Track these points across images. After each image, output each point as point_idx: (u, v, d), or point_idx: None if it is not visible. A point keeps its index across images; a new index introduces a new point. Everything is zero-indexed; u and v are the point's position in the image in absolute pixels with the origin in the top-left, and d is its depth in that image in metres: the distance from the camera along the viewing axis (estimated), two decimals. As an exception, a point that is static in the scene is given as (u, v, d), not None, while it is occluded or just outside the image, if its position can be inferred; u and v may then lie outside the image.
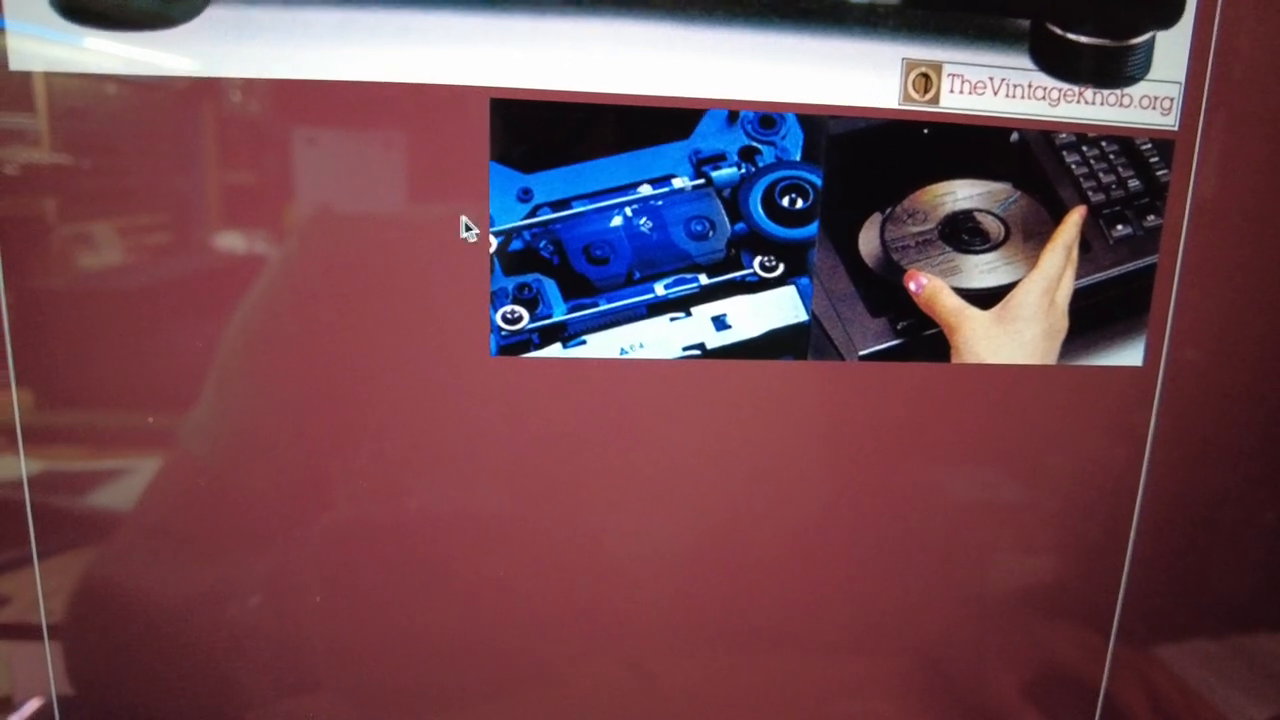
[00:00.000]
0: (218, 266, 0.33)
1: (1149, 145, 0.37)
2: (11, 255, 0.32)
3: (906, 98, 0.35)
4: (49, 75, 0.31)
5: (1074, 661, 0.43)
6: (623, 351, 0.35)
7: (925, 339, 0.37)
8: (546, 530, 0.37)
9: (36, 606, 0.35)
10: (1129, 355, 0.39)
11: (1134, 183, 0.38)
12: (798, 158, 0.35)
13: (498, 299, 0.34)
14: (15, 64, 0.31)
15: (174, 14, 0.31)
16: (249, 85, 0.32)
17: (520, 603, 0.38)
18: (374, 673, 0.37)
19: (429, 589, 0.37)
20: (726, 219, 0.35)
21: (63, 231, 0.33)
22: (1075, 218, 0.38)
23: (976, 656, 0.42)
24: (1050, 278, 0.37)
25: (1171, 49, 0.36)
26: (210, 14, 0.31)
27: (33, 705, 0.36)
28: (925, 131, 0.36)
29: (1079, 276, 0.38)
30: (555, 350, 0.35)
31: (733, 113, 0.34)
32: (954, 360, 0.38)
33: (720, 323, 0.36)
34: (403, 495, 0.36)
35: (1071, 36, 0.36)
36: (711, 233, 0.35)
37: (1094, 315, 0.38)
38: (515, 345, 0.35)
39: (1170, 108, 0.37)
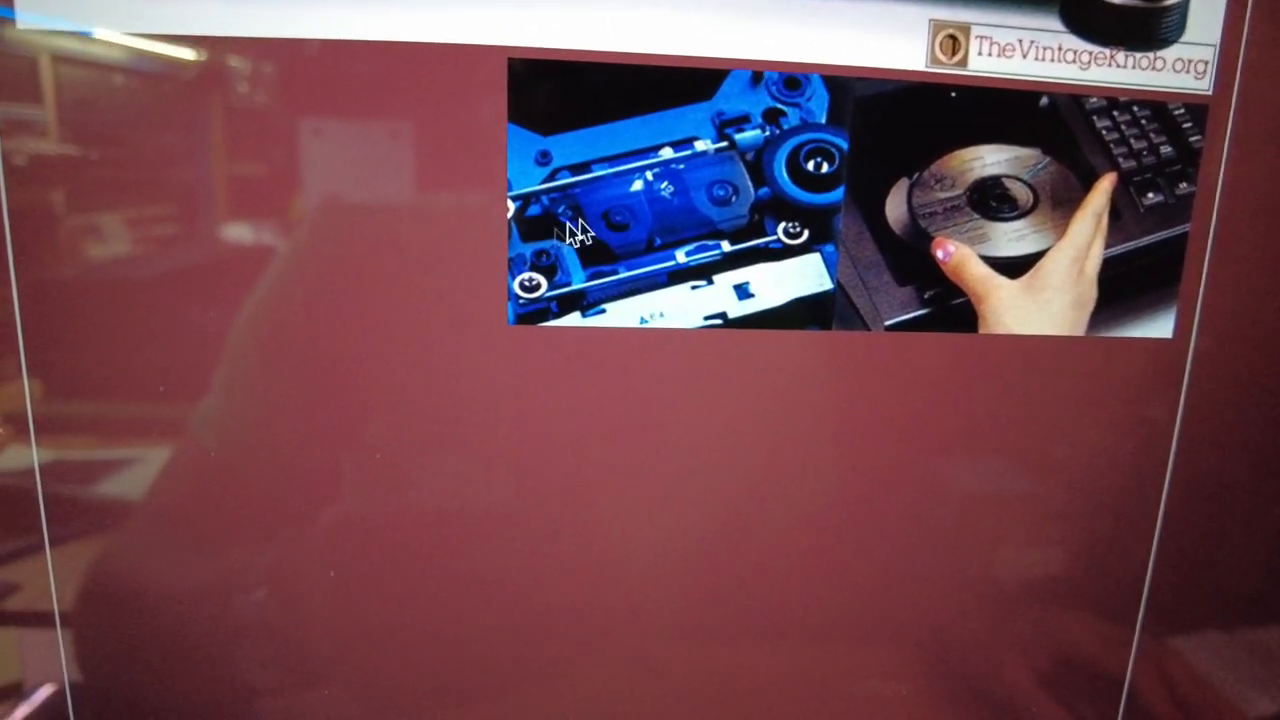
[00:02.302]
0: (233, 238, 0.32)
1: (1182, 110, 0.37)
2: (22, 245, 0.31)
3: (934, 60, 0.34)
4: (59, 59, 0.30)
5: (1098, 648, 0.42)
6: (642, 320, 0.35)
7: (952, 308, 0.36)
8: (562, 506, 0.36)
9: (46, 595, 0.34)
10: (1159, 327, 0.38)
11: (1166, 149, 0.37)
12: (823, 120, 0.34)
13: (515, 266, 0.34)
14: (23, 24, 0.30)
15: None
16: (264, 45, 0.31)
17: (535, 587, 0.37)
18: (383, 664, 0.37)
19: (441, 575, 0.36)
20: (750, 183, 0.34)
21: (74, 221, 0.32)
22: (1105, 185, 0.37)
23: (997, 638, 0.41)
24: (1079, 246, 0.37)
25: (1206, 10, 0.35)
26: (221, -29, 0.31)
27: (44, 693, 0.36)
28: (953, 95, 0.35)
29: (1109, 245, 0.37)
30: (574, 319, 0.34)
31: (757, 74, 0.34)
32: (981, 330, 0.37)
33: (743, 291, 0.35)
34: (417, 469, 0.35)
35: (1104, -3, 0.35)
36: (734, 198, 0.34)
37: (1123, 285, 0.37)
38: (533, 314, 0.34)
39: (1204, 71, 0.36)
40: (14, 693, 0.35)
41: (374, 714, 0.37)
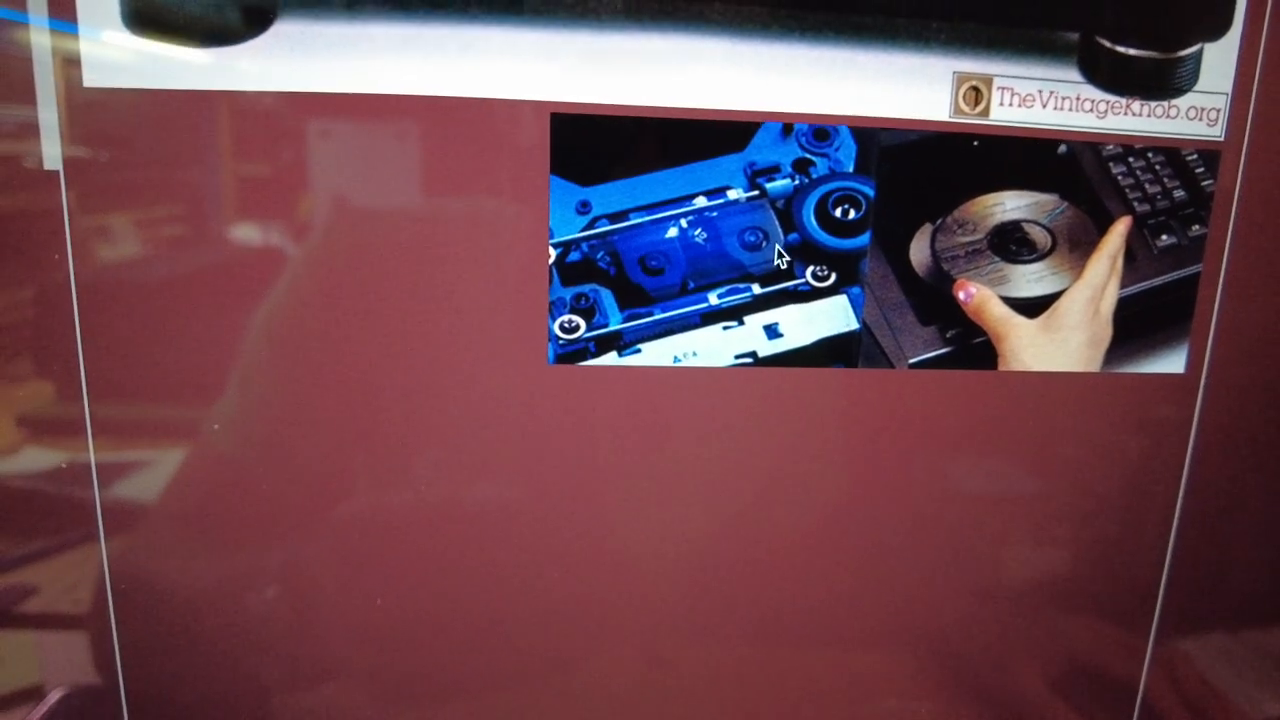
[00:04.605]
0: (281, 272, 0.34)
1: (1195, 156, 0.38)
2: (80, 254, 0.33)
3: (957, 110, 0.36)
4: (120, 91, 0.32)
5: (1113, 661, 0.44)
6: (676, 360, 0.36)
7: (973, 347, 0.38)
8: (601, 529, 0.38)
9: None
10: (1171, 363, 0.40)
11: (1179, 193, 0.38)
12: (851, 169, 0.36)
13: (556, 309, 0.35)
14: (89, 81, 0.32)
15: (240, 29, 0.32)
16: (313, 99, 0.33)
17: (556, 593, 0.38)
18: (398, 659, 0.38)
19: (476, 582, 0.38)
20: (780, 229, 0.36)
21: (130, 233, 0.34)
22: (1120, 228, 0.38)
23: (1014, 656, 0.43)
24: (1095, 287, 0.38)
25: (1219, 60, 0.37)
26: (277, 29, 0.32)
27: (55, 696, 0.36)
28: (975, 144, 0.36)
29: (1123, 286, 0.38)
30: (611, 359, 0.36)
31: (787, 126, 0.35)
32: (1001, 368, 0.38)
33: (772, 331, 0.36)
34: (466, 492, 0.37)
35: (1120, 49, 0.36)
36: (765, 243, 0.36)
37: (1138, 324, 0.39)
38: (572, 354, 0.36)
39: (1217, 119, 0.37)
40: (31, 695, 0.36)
41: (388, 707, 0.39)
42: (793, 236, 0.36)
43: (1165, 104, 0.37)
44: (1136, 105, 0.37)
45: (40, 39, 0.31)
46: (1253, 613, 0.45)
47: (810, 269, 0.36)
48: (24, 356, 0.34)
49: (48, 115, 0.32)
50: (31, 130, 0.32)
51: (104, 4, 0.31)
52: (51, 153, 0.32)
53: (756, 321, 0.36)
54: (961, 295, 0.37)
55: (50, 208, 0.32)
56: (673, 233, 0.35)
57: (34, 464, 0.34)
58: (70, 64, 0.31)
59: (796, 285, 0.36)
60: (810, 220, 0.36)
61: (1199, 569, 0.43)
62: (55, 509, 0.35)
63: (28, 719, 0.36)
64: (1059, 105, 0.36)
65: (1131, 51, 0.36)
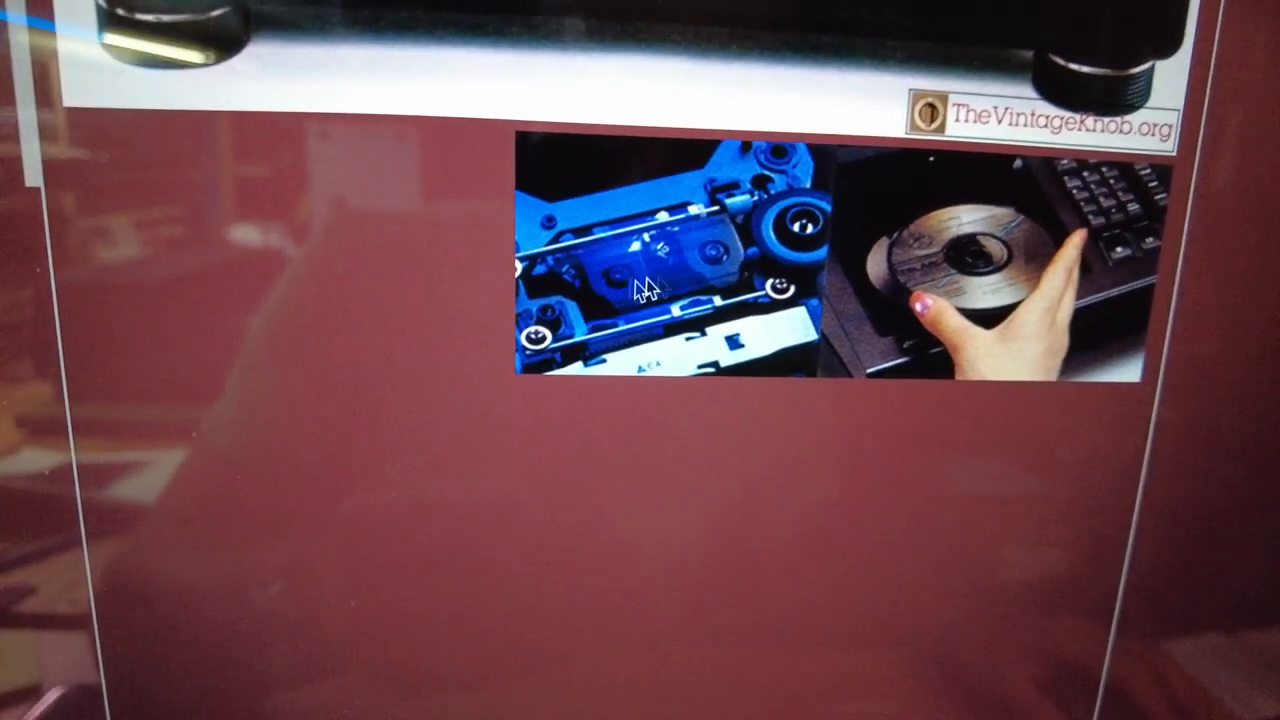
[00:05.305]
0: (261, 285, 0.35)
1: (1148, 170, 0.39)
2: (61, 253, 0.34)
3: (914, 127, 0.37)
4: (99, 110, 0.33)
5: (1076, 662, 0.45)
6: (640, 370, 0.37)
7: (930, 357, 0.39)
8: (567, 534, 0.39)
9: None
10: (1127, 372, 0.41)
11: (1133, 206, 0.39)
12: (808, 185, 0.37)
13: (522, 320, 0.36)
14: (69, 100, 0.33)
15: (215, 50, 0.33)
16: (285, 118, 0.34)
17: (542, 601, 0.39)
18: (395, 662, 0.39)
19: (459, 587, 0.39)
20: (740, 244, 0.37)
21: (108, 248, 0.35)
22: (1076, 240, 0.39)
23: (981, 653, 0.44)
24: (1051, 298, 0.39)
25: (1171, 77, 0.38)
26: (250, 51, 0.33)
27: (53, 695, 0.37)
28: (931, 159, 0.37)
29: (1079, 297, 0.39)
30: (576, 368, 0.37)
31: (746, 143, 0.36)
32: (958, 377, 0.39)
33: (734, 342, 0.37)
34: (437, 497, 0.38)
35: (1073, 66, 0.37)
36: (725, 257, 0.37)
37: (1094, 334, 0.40)
38: (539, 364, 0.37)
39: (1169, 134, 0.38)
40: (31, 694, 0.37)
41: (376, 707, 0.40)
42: (752, 250, 0.37)
43: (1118, 120, 0.38)
44: (1090, 121, 0.38)
45: (21, 56, 0.32)
46: (1213, 614, 0.46)
47: (770, 281, 0.37)
48: (10, 362, 0.35)
49: (28, 133, 0.33)
50: (12, 148, 0.33)
51: (83, 24, 0.32)
52: (32, 169, 0.33)
53: (718, 332, 0.37)
54: (918, 307, 0.38)
55: (31, 223, 0.33)
56: (636, 247, 0.36)
57: (21, 467, 0.36)
58: (50, 83, 0.32)
59: (757, 297, 0.37)
60: (769, 235, 0.37)
61: (1156, 573, 0.44)
62: (44, 511, 0.36)
63: (25, 718, 0.37)
64: (1014, 121, 0.37)
65: (1085, 69, 0.37)
